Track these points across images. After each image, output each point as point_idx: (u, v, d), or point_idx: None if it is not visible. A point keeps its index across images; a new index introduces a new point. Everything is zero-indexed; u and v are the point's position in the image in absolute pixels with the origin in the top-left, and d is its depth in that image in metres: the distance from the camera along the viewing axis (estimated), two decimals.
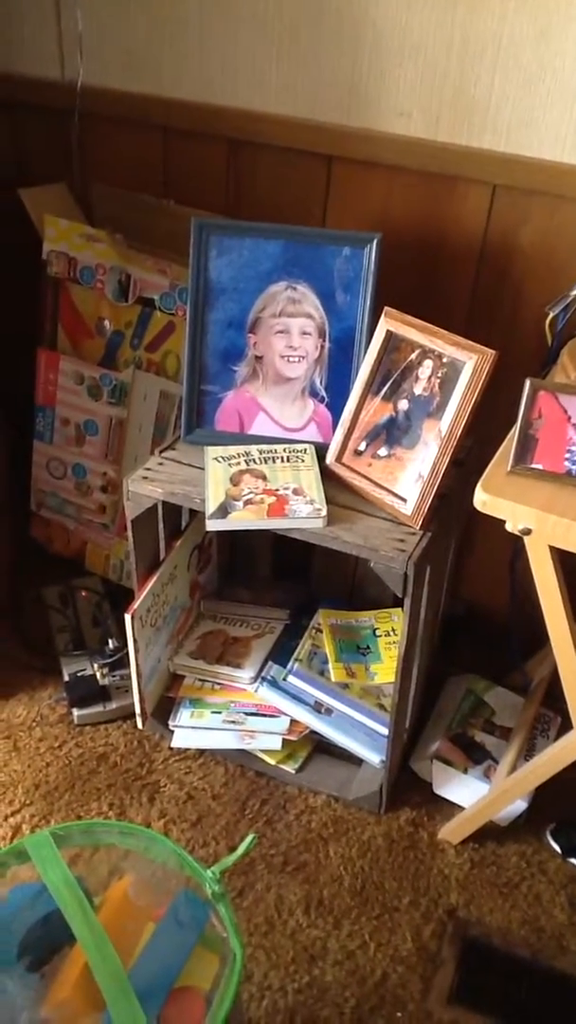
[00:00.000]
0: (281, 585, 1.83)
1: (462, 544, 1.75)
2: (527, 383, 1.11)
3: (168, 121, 1.66)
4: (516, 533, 1.11)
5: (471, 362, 1.28)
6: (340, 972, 1.35)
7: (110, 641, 1.75)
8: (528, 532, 1.10)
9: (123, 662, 1.66)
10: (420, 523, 1.33)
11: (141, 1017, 0.86)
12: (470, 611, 1.88)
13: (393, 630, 1.65)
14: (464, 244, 1.55)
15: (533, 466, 1.12)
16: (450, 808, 1.58)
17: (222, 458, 1.43)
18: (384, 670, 1.58)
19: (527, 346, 1.51)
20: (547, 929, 1.42)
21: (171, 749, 1.64)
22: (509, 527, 1.11)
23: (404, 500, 1.34)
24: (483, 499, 1.10)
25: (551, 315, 1.44)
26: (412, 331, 1.35)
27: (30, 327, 1.82)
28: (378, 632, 1.66)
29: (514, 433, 1.13)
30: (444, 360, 1.32)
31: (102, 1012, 0.87)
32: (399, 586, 1.29)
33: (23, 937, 0.92)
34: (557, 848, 1.53)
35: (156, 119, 1.67)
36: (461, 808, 1.55)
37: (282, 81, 1.55)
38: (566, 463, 1.11)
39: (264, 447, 1.45)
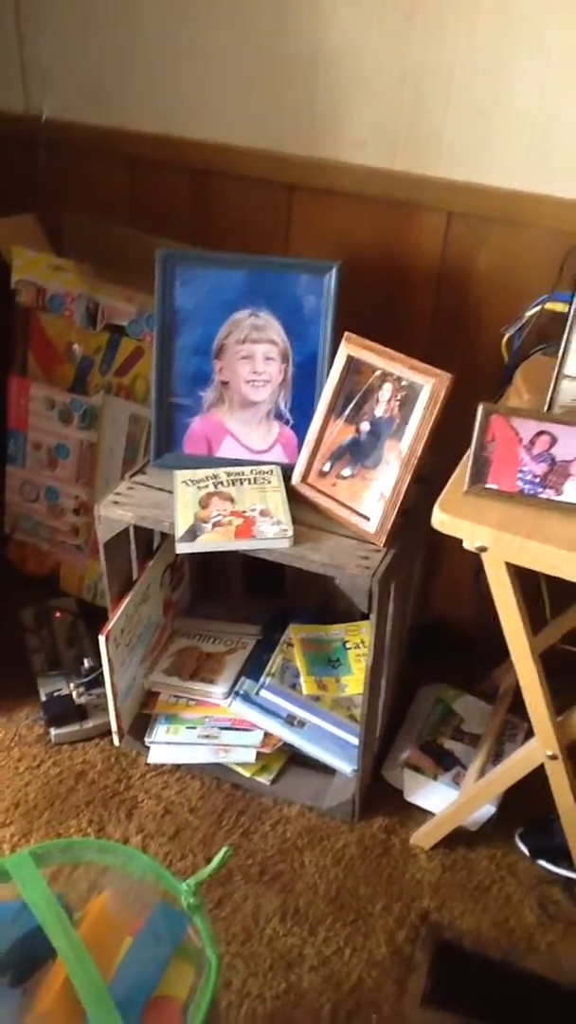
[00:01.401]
0: (253, 601, 1.87)
1: (430, 557, 1.80)
2: (480, 408, 1.16)
3: (132, 152, 1.71)
4: (473, 551, 1.16)
5: (429, 385, 1.33)
6: (316, 978, 1.39)
7: (85, 660, 1.79)
8: (484, 550, 1.15)
9: (99, 681, 1.70)
10: (384, 540, 1.38)
11: None
12: (439, 621, 1.93)
13: (362, 642, 1.69)
14: (423, 268, 1.60)
15: (488, 486, 1.17)
16: (422, 814, 1.62)
17: (191, 481, 1.47)
18: (354, 682, 1.62)
19: (486, 365, 1.56)
20: (517, 930, 1.47)
21: (148, 765, 1.68)
22: (466, 545, 1.16)
23: (368, 518, 1.39)
24: (441, 519, 1.15)
25: (507, 335, 1.49)
26: (372, 355, 1.40)
27: (0, 354, 1.86)
28: (348, 645, 1.70)
29: (469, 456, 1.18)
30: (403, 383, 1.37)
31: (83, 1022, 0.90)
32: (364, 602, 1.34)
33: (5, 954, 0.96)
34: (526, 850, 1.57)
35: (121, 150, 1.72)
36: (432, 814, 1.60)
37: (243, 113, 1.60)
38: (519, 483, 1.16)
39: (231, 469, 1.49)
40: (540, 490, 1.15)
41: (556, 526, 1.13)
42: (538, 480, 1.15)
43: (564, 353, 1.18)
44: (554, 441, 1.14)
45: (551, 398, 1.19)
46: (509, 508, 1.15)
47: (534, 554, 1.11)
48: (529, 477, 1.15)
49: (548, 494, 1.15)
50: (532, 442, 1.15)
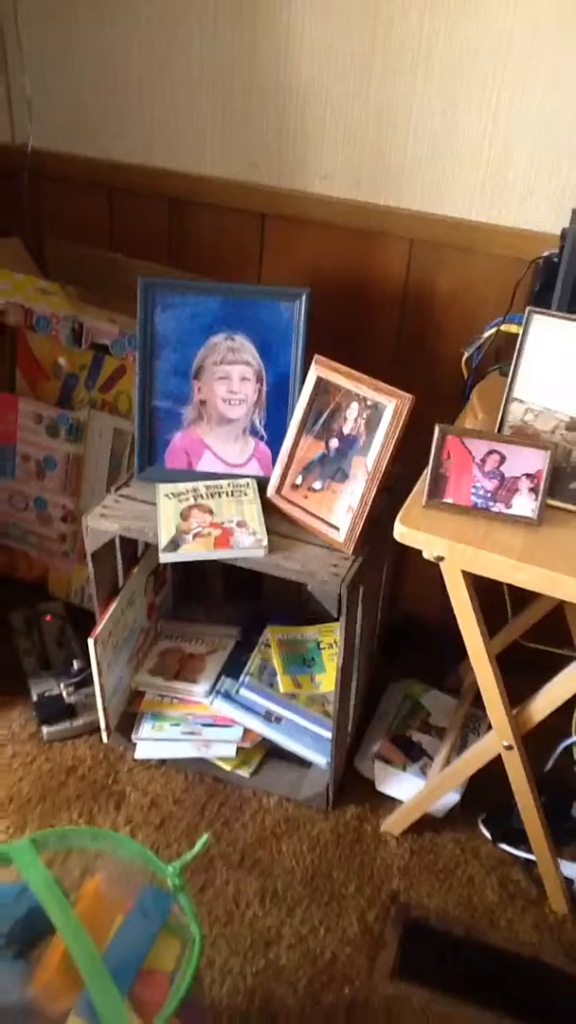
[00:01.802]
0: (233, 604, 1.97)
1: (399, 560, 1.91)
2: (436, 429, 1.27)
3: (113, 181, 1.81)
4: (432, 560, 1.27)
5: (391, 405, 1.44)
6: (293, 955, 1.49)
7: (74, 662, 1.88)
8: (442, 559, 1.26)
9: (87, 681, 1.79)
10: (352, 549, 1.48)
11: (115, 993, 1.00)
12: (409, 620, 2.04)
13: (335, 643, 1.79)
14: (388, 292, 1.71)
15: (444, 501, 1.28)
16: (392, 803, 1.73)
17: (172, 494, 1.57)
18: (328, 680, 1.73)
19: (448, 382, 1.67)
20: (480, 908, 1.58)
21: (135, 760, 1.78)
22: (426, 555, 1.27)
23: (337, 528, 1.50)
24: (401, 531, 1.26)
25: (466, 355, 1.60)
26: (339, 377, 1.51)
27: None
28: (322, 645, 1.81)
29: (427, 472, 1.28)
30: (368, 403, 1.47)
31: (80, 991, 1.01)
32: (335, 606, 1.45)
33: (9, 930, 1.06)
34: (488, 835, 1.69)
35: (102, 179, 1.81)
36: (401, 803, 1.71)
37: (217, 146, 1.70)
38: (472, 497, 1.27)
39: (210, 483, 1.60)
40: (491, 504, 1.26)
41: (505, 537, 1.24)
42: (489, 495, 1.26)
43: (512, 377, 1.29)
44: (503, 459, 1.25)
45: (501, 419, 1.30)
46: (464, 521, 1.26)
47: (486, 563, 1.22)
48: (481, 492, 1.26)
49: (498, 507, 1.26)
50: (484, 460, 1.26)
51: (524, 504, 1.25)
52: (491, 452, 1.26)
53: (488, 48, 1.46)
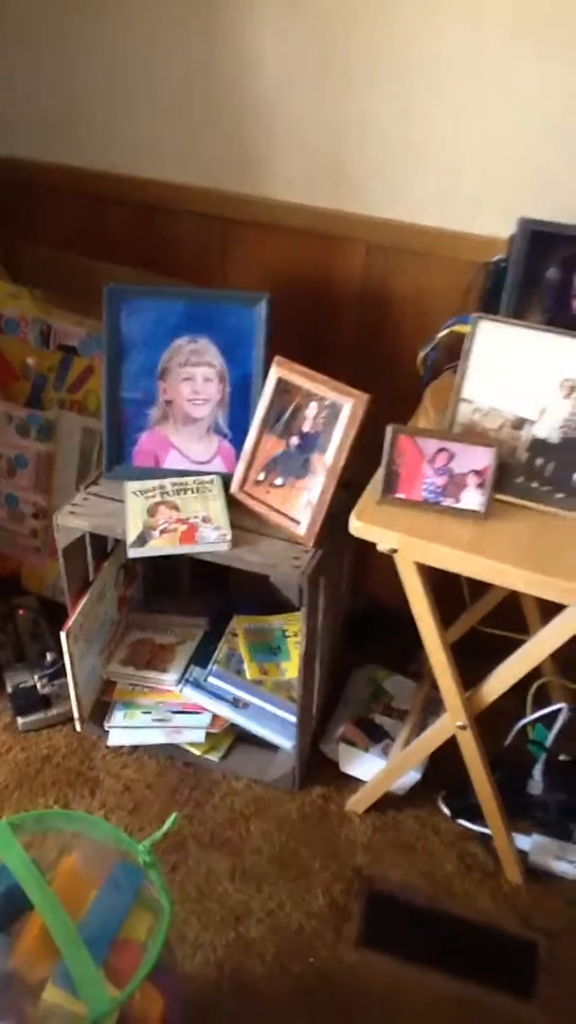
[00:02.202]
0: (201, 596, 2.04)
1: (361, 550, 1.97)
2: (389, 428, 1.34)
3: (82, 188, 1.86)
4: (386, 552, 1.34)
5: (349, 404, 1.51)
6: (262, 928, 1.57)
7: (48, 654, 1.94)
8: (395, 551, 1.34)
9: (61, 672, 1.85)
10: (312, 542, 1.55)
11: (89, 962, 1.07)
12: (373, 608, 2.11)
13: (300, 631, 1.87)
14: (347, 294, 1.78)
15: (397, 496, 1.35)
16: (356, 783, 1.81)
17: (140, 492, 1.63)
18: (293, 666, 1.80)
19: (405, 380, 1.72)
20: (440, 879, 1.67)
21: (108, 747, 1.84)
22: (380, 547, 1.34)
23: (298, 523, 1.57)
24: (356, 526, 1.33)
25: (422, 354, 1.67)
26: (299, 377, 1.58)
27: None
28: (287, 633, 1.88)
29: (380, 469, 1.36)
30: (326, 402, 1.54)
31: (57, 961, 1.08)
32: (296, 597, 1.52)
33: None
34: (447, 811, 1.77)
35: (71, 186, 1.86)
36: (365, 782, 1.79)
37: (183, 153, 1.76)
38: (423, 493, 1.34)
39: (176, 480, 1.66)
40: (442, 499, 1.34)
41: (455, 529, 1.32)
42: (440, 490, 1.34)
43: (461, 378, 1.36)
44: (452, 456, 1.33)
45: (451, 418, 1.37)
46: (416, 515, 1.34)
47: (436, 554, 1.30)
48: (432, 488, 1.34)
49: (448, 502, 1.34)
50: (434, 457, 1.34)
51: (472, 498, 1.33)
52: (441, 450, 1.33)
53: (438, 60, 1.52)
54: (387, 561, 1.38)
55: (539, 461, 1.33)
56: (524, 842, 1.68)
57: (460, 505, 1.33)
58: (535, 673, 1.72)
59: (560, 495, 1.33)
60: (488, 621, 1.89)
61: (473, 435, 1.35)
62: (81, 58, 1.74)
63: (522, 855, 1.68)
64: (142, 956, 1.12)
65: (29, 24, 1.75)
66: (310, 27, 1.57)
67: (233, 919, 1.58)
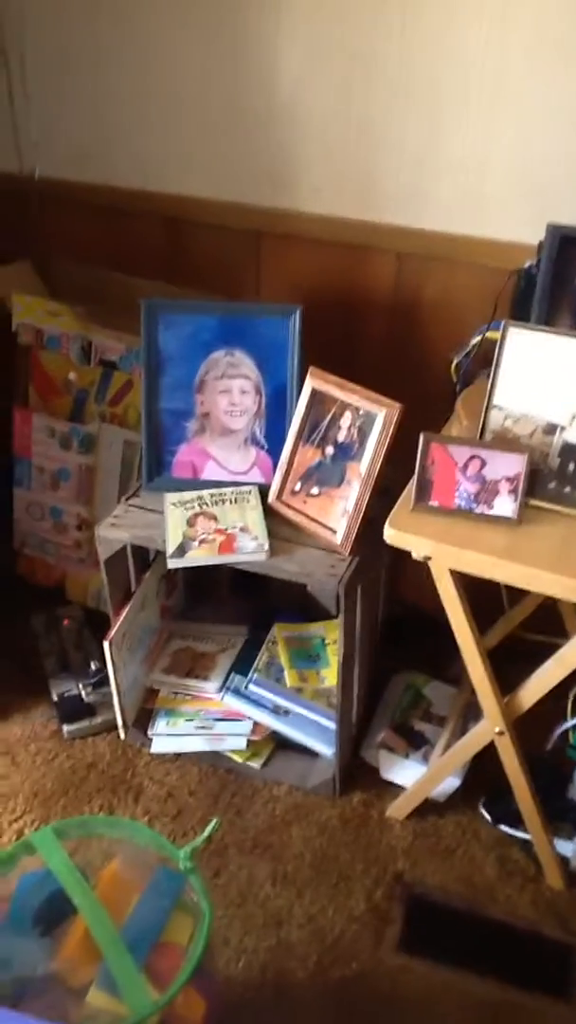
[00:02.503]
0: (241, 604, 2.06)
1: (398, 556, 1.98)
2: (421, 437, 1.35)
3: (114, 204, 1.90)
4: (420, 560, 1.36)
5: (382, 414, 1.53)
6: (304, 933, 1.59)
7: (92, 663, 1.98)
8: (429, 559, 1.35)
9: (105, 681, 1.88)
10: (349, 550, 1.57)
11: (131, 965, 1.10)
12: (411, 613, 2.12)
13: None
14: (378, 303, 1.79)
15: (430, 504, 1.36)
16: (396, 789, 1.82)
17: (179, 503, 1.66)
18: (333, 674, 1.81)
19: (438, 386, 1.74)
20: (480, 885, 1.67)
21: (151, 754, 1.88)
22: (414, 555, 1.36)
23: (334, 531, 1.58)
24: (391, 534, 1.35)
25: (455, 361, 1.68)
26: (333, 387, 1.59)
27: (2, 389, 2.05)
28: (327, 641, 1.90)
29: (414, 478, 1.37)
30: (360, 412, 1.56)
31: (100, 964, 1.11)
32: (333, 605, 1.54)
33: (35, 911, 1.16)
34: (488, 817, 1.77)
35: (104, 203, 1.91)
36: (405, 789, 1.80)
37: (208, 169, 1.80)
38: (456, 500, 1.35)
39: (215, 491, 1.69)
40: (474, 506, 1.35)
41: (488, 536, 1.32)
42: (472, 497, 1.35)
43: (492, 385, 1.37)
44: (484, 464, 1.34)
45: (482, 425, 1.38)
46: (449, 522, 1.35)
47: (470, 561, 1.31)
48: (465, 495, 1.35)
49: (481, 509, 1.35)
50: (466, 465, 1.35)
51: (505, 505, 1.34)
52: (473, 457, 1.34)
53: (464, 70, 1.54)
54: (423, 566, 1.39)
55: (571, 466, 1.33)
56: (565, 847, 1.68)
57: (493, 512, 1.34)
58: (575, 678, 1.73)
59: None
60: (527, 626, 1.89)
61: (505, 442, 1.36)
62: (112, 81, 1.79)
63: (563, 860, 1.67)
64: (183, 960, 1.15)
65: (62, 50, 1.80)
66: (335, 41, 1.59)
67: (275, 924, 1.60)
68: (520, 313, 1.53)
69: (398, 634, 2.10)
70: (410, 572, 2.05)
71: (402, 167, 1.65)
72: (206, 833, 1.24)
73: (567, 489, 1.34)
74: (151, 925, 1.16)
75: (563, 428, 1.33)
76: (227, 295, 1.86)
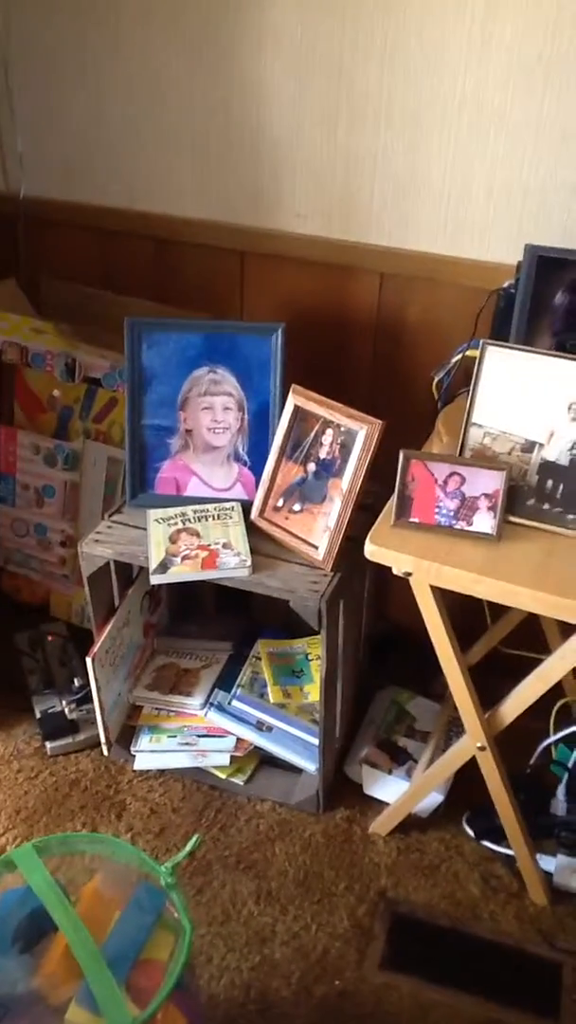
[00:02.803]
0: (224, 620, 2.07)
1: (382, 573, 2.00)
2: (401, 454, 1.37)
3: (101, 224, 1.92)
4: (401, 576, 1.37)
5: (363, 431, 1.54)
6: (287, 950, 1.58)
7: (76, 680, 1.98)
8: (410, 574, 1.36)
9: (88, 698, 1.88)
10: (331, 566, 1.58)
11: (111, 982, 1.09)
12: (395, 630, 2.13)
13: None
14: (362, 322, 1.81)
15: (411, 520, 1.37)
16: (379, 805, 1.82)
17: (162, 519, 1.67)
18: (316, 690, 1.81)
19: (420, 404, 1.76)
20: (464, 902, 1.67)
21: (134, 771, 1.87)
22: (395, 571, 1.37)
23: (316, 547, 1.59)
24: (371, 549, 1.36)
25: (436, 378, 1.70)
26: (315, 405, 1.61)
27: None
28: (310, 657, 1.90)
29: (394, 495, 1.38)
30: (342, 429, 1.57)
31: (81, 981, 1.10)
32: (316, 621, 1.54)
33: (15, 928, 1.15)
34: (471, 833, 1.77)
35: (91, 222, 1.93)
36: (388, 804, 1.80)
37: (198, 189, 1.82)
38: (436, 516, 1.36)
39: (197, 507, 1.70)
40: (454, 522, 1.36)
41: (468, 552, 1.33)
42: (452, 513, 1.36)
43: (471, 403, 1.39)
44: (463, 480, 1.35)
45: (462, 442, 1.40)
46: (429, 538, 1.36)
47: (450, 577, 1.32)
48: (445, 511, 1.36)
49: (461, 525, 1.36)
50: (445, 481, 1.36)
51: (484, 521, 1.35)
52: (452, 474, 1.36)
53: (444, 98, 1.57)
54: (407, 584, 1.40)
55: (549, 483, 1.35)
56: (549, 863, 1.68)
57: (472, 528, 1.35)
58: (558, 693, 1.74)
59: (571, 516, 1.34)
60: (509, 641, 1.90)
61: (484, 459, 1.38)
62: (99, 100, 1.81)
63: (547, 876, 1.67)
64: (164, 976, 1.15)
65: (49, 68, 1.82)
66: (321, 67, 1.61)
67: (258, 941, 1.60)
68: (500, 332, 1.55)
69: (382, 651, 2.11)
70: (395, 589, 2.07)
71: (385, 190, 1.68)
72: (187, 849, 1.25)
73: (545, 506, 1.36)
74: (132, 942, 1.16)
75: (541, 445, 1.35)
76: (212, 313, 1.88)
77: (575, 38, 1.46)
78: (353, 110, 1.63)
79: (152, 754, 1.84)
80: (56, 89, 1.83)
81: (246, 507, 1.70)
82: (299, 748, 1.79)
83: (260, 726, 1.81)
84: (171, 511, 1.69)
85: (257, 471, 1.70)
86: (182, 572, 1.58)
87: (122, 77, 1.77)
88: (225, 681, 1.89)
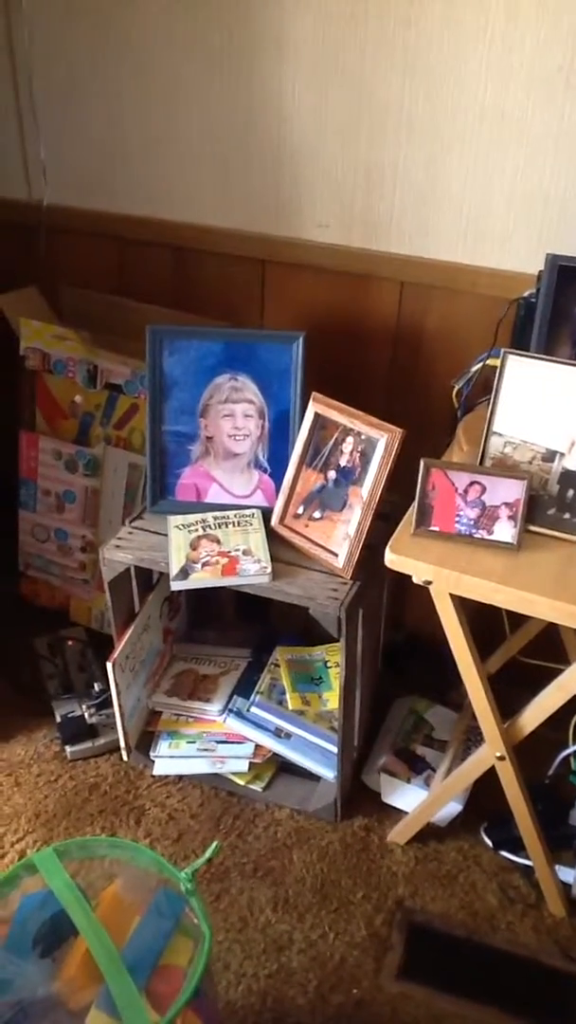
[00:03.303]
0: (243, 626, 2.07)
1: (401, 581, 2.00)
2: (421, 463, 1.37)
3: (122, 232, 1.94)
4: (421, 584, 1.37)
5: (383, 439, 1.54)
6: (304, 958, 1.58)
7: (95, 684, 1.99)
8: (430, 583, 1.36)
9: (108, 703, 1.89)
10: (351, 574, 1.58)
11: (131, 987, 1.10)
12: (414, 638, 2.13)
13: None
14: (381, 330, 1.82)
15: (431, 528, 1.38)
16: (397, 814, 1.82)
17: (182, 525, 1.68)
18: (335, 697, 1.82)
19: (440, 412, 1.76)
20: (481, 912, 1.67)
21: (153, 777, 1.88)
22: (415, 579, 1.37)
23: (336, 555, 1.60)
24: (391, 558, 1.36)
25: (456, 387, 1.70)
26: (335, 413, 1.61)
27: (9, 412, 2.07)
28: (329, 664, 1.90)
29: (415, 503, 1.38)
30: (362, 437, 1.58)
31: (101, 985, 1.11)
32: (335, 628, 1.55)
33: (36, 932, 1.16)
34: (489, 843, 1.77)
35: (111, 231, 1.94)
36: (406, 813, 1.80)
37: (219, 198, 1.83)
38: (456, 525, 1.37)
39: (218, 514, 1.70)
40: (474, 531, 1.36)
41: (488, 561, 1.33)
42: (472, 522, 1.36)
43: (492, 412, 1.39)
44: (484, 490, 1.35)
45: (482, 451, 1.40)
46: (449, 547, 1.36)
47: (470, 586, 1.32)
48: (465, 520, 1.36)
49: (481, 534, 1.36)
50: (466, 490, 1.36)
51: (504, 530, 1.35)
52: (473, 483, 1.36)
53: (464, 108, 1.57)
54: (426, 592, 1.40)
55: (570, 493, 1.35)
56: (567, 874, 1.67)
57: (493, 537, 1.35)
58: None
59: None
60: (528, 651, 1.89)
61: (504, 468, 1.38)
62: (119, 110, 1.82)
63: (565, 887, 1.67)
64: (183, 982, 1.15)
65: (70, 80, 1.84)
66: (341, 78, 1.62)
67: (275, 949, 1.60)
68: (520, 341, 1.55)
69: (401, 659, 2.10)
70: (413, 597, 2.07)
71: (406, 201, 1.68)
72: (207, 855, 1.25)
73: (566, 515, 1.36)
74: (151, 947, 1.16)
75: (562, 455, 1.35)
76: (232, 322, 1.89)
77: None
78: (374, 121, 1.64)
79: (171, 760, 1.84)
80: (78, 100, 1.85)
81: (266, 514, 1.71)
82: (317, 755, 1.79)
83: (278, 733, 1.81)
84: (191, 517, 1.70)
85: (277, 478, 1.71)
86: (202, 578, 1.59)
87: (142, 88, 1.78)
88: (244, 687, 1.89)
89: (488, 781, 1.61)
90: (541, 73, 1.50)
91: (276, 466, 1.72)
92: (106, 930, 1.16)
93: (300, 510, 1.66)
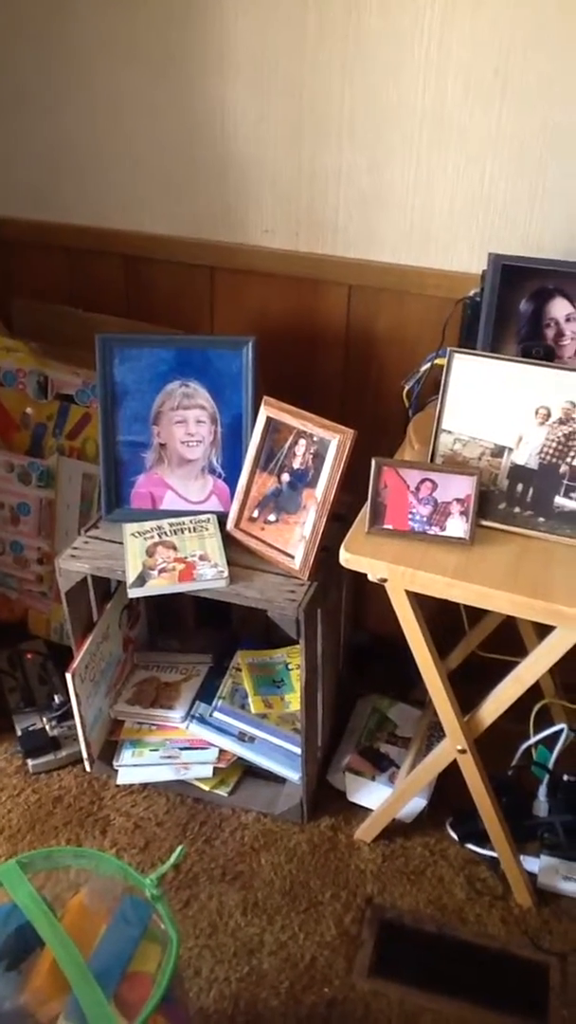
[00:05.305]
0: (205, 632, 2.08)
1: (360, 582, 2.01)
2: (373, 461, 1.38)
3: (70, 243, 1.93)
4: (377, 582, 1.38)
5: (335, 440, 1.56)
6: (275, 960, 1.58)
7: (56, 696, 1.98)
8: (385, 581, 1.37)
9: (69, 714, 1.88)
10: (307, 575, 1.59)
11: (100, 996, 1.09)
12: (375, 638, 2.14)
13: None
14: (332, 333, 1.83)
15: (384, 527, 1.39)
16: (363, 812, 1.83)
17: (138, 533, 1.68)
18: (297, 699, 1.83)
19: (392, 413, 1.78)
20: (449, 906, 1.68)
21: (117, 786, 1.87)
22: (371, 577, 1.38)
23: (292, 557, 1.61)
24: (346, 557, 1.37)
25: (406, 387, 1.72)
26: (287, 416, 1.62)
27: None
28: (290, 666, 1.91)
29: (368, 502, 1.40)
30: (314, 439, 1.59)
31: (68, 995, 1.10)
32: (294, 630, 1.56)
33: (2, 945, 1.15)
34: (455, 836, 1.79)
35: (60, 241, 1.94)
36: (372, 811, 1.81)
37: (166, 206, 1.83)
38: (409, 523, 1.38)
39: (173, 520, 1.71)
40: (428, 527, 1.38)
41: (441, 557, 1.35)
42: (425, 519, 1.38)
43: (440, 411, 1.41)
44: (435, 487, 1.37)
45: (432, 449, 1.42)
46: (403, 544, 1.38)
47: (424, 582, 1.34)
48: (418, 517, 1.38)
49: (434, 530, 1.38)
50: (418, 488, 1.38)
51: (457, 526, 1.37)
52: (424, 480, 1.38)
53: (405, 113, 1.60)
54: (384, 593, 1.42)
55: (519, 487, 1.37)
56: (532, 864, 1.70)
57: (445, 533, 1.37)
58: (537, 695, 1.76)
59: (541, 519, 1.37)
60: (487, 646, 1.92)
61: (454, 465, 1.40)
62: (66, 122, 1.82)
63: (531, 877, 1.69)
64: (151, 987, 1.15)
65: (15, 91, 1.83)
66: (283, 87, 1.64)
67: (246, 952, 1.60)
68: (468, 340, 1.58)
69: (362, 659, 2.12)
70: (373, 597, 2.08)
71: (351, 205, 1.70)
72: (172, 860, 1.25)
73: (516, 509, 1.38)
74: (119, 955, 1.16)
75: (510, 450, 1.37)
76: (183, 328, 1.90)
77: (528, 51, 1.49)
78: (316, 127, 1.66)
79: (135, 768, 1.84)
80: (23, 113, 1.84)
81: (222, 519, 1.71)
82: (281, 758, 1.79)
83: (242, 737, 1.81)
84: (147, 525, 1.70)
85: (232, 483, 1.72)
86: (160, 585, 1.59)
87: (86, 99, 1.78)
88: (206, 693, 1.89)
89: (453, 776, 1.63)
90: (478, 76, 1.53)
91: (230, 471, 1.73)
92: (72, 940, 1.15)
93: (255, 514, 1.67)
